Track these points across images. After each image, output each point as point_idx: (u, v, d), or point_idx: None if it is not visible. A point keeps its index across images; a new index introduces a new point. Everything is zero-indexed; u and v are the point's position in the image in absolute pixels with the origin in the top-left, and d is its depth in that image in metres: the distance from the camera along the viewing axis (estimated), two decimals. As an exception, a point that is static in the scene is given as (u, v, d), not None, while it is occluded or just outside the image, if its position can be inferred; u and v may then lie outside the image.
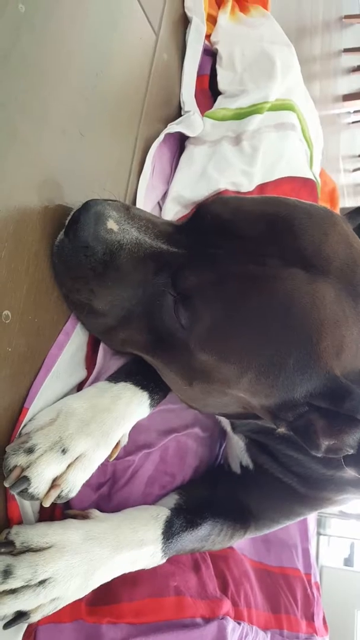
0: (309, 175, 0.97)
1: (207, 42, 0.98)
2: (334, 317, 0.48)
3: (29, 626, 0.52)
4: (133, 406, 0.59)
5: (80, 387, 0.61)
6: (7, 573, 0.46)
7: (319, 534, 2.25)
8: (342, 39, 3.04)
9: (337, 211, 1.24)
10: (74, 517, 0.56)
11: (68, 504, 0.58)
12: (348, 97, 3.04)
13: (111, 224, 0.52)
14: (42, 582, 0.48)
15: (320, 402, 0.49)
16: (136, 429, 0.64)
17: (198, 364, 0.52)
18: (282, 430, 0.54)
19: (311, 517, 1.13)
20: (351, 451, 0.49)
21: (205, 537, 0.69)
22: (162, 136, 0.79)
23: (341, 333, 0.48)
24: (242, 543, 0.90)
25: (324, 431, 0.49)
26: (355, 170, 3.52)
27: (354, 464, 0.50)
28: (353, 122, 3.38)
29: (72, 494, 0.52)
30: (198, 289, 0.50)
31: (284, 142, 0.94)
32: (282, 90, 0.98)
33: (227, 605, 0.72)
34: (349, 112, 3.25)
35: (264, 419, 0.56)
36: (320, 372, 0.48)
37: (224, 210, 0.53)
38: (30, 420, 0.52)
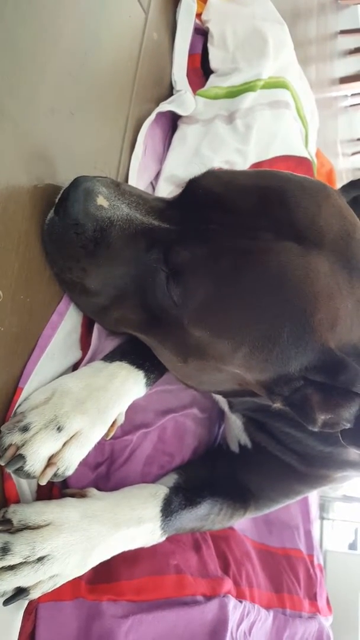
0: (305, 154, 0.96)
1: (198, 21, 0.96)
2: (327, 290, 0.47)
3: (30, 604, 0.52)
4: (129, 385, 0.59)
5: (75, 367, 0.61)
6: (5, 550, 0.46)
7: (322, 518, 2.25)
8: (338, 20, 2.99)
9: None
10: (72, 496, 0.56)
11: (66, 484, 0.58)
12: (345, 80, 3.00)
13: (101, 200, 0.51)
14: (40, 559, 0.48)
15: (315, 375, 0.48)
16: (133, 409, 0.63)
17: (192, 341, 0.52)
18: (278, 405, 0.53)
19: (313, 499, 1.13)
20: (348, 425, 0.49)
21: (204, 516, 0.69)
22: (153, 115, 0.78)
23: (335, 306, 0.48)
24: (244, 524, 0.91)
25: (320, 405, 0.49)
26: (354, 153, 3.49)
27: (351, 438, 0.50)
28: (351, 105, 3.35)
29: (69, 472, 0.52)
30: (190, 264, 0.50)
31: (279, 121, 0.92)
32: (275, 68, 0.97)
33: (228, 584, 0.72)
34: (346, 95, 3.21)
35: (260, 395, 0.56)
36: (314, 345, 0.47)
37: (216, 184, 0.53)
38: (25, 400, 0.52)
